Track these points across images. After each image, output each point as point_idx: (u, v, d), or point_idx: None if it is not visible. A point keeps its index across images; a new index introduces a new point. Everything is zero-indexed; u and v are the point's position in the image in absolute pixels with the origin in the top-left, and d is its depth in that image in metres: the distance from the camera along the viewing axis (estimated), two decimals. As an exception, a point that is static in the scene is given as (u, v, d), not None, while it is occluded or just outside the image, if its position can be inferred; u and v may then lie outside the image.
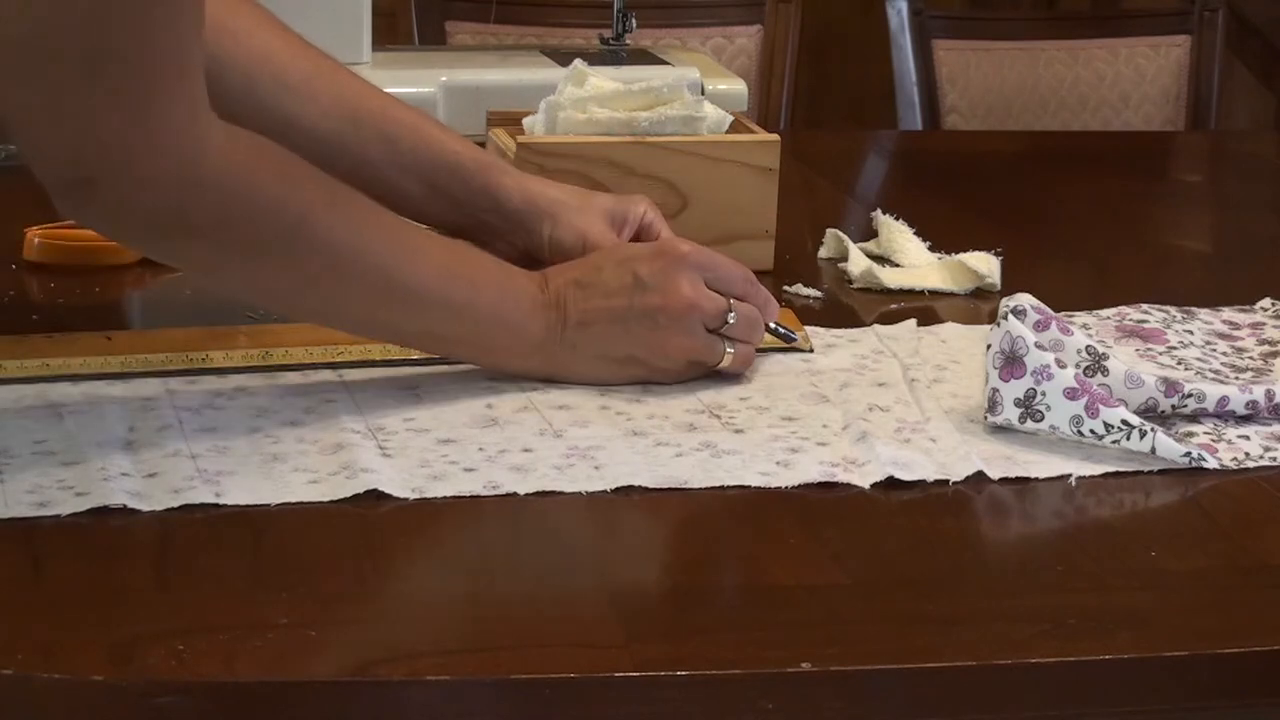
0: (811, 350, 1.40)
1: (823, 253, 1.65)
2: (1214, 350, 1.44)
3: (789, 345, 1.39)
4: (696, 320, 1.30)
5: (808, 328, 1.44)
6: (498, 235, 1.40)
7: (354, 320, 1.26)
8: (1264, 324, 1.51)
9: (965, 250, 1.60)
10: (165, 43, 1.09)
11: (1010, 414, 1.24)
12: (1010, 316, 1.26)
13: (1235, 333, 1.48)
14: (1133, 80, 2.90)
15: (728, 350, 1.31)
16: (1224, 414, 1.29)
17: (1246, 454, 1.25)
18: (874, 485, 1.18)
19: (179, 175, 1.11)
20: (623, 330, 1.29)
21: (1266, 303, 1.56)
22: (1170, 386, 1.28)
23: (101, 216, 1.13)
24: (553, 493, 1.15)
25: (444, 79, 1.70)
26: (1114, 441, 1.23)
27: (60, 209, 1.12)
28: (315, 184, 1.20)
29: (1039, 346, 1.24)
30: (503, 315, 1.27)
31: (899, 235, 1.64)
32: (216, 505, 1.10)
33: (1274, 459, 1.24)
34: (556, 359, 1.29)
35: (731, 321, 1.31)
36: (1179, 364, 1.40)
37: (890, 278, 1.57)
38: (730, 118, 1.59)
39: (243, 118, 1.21)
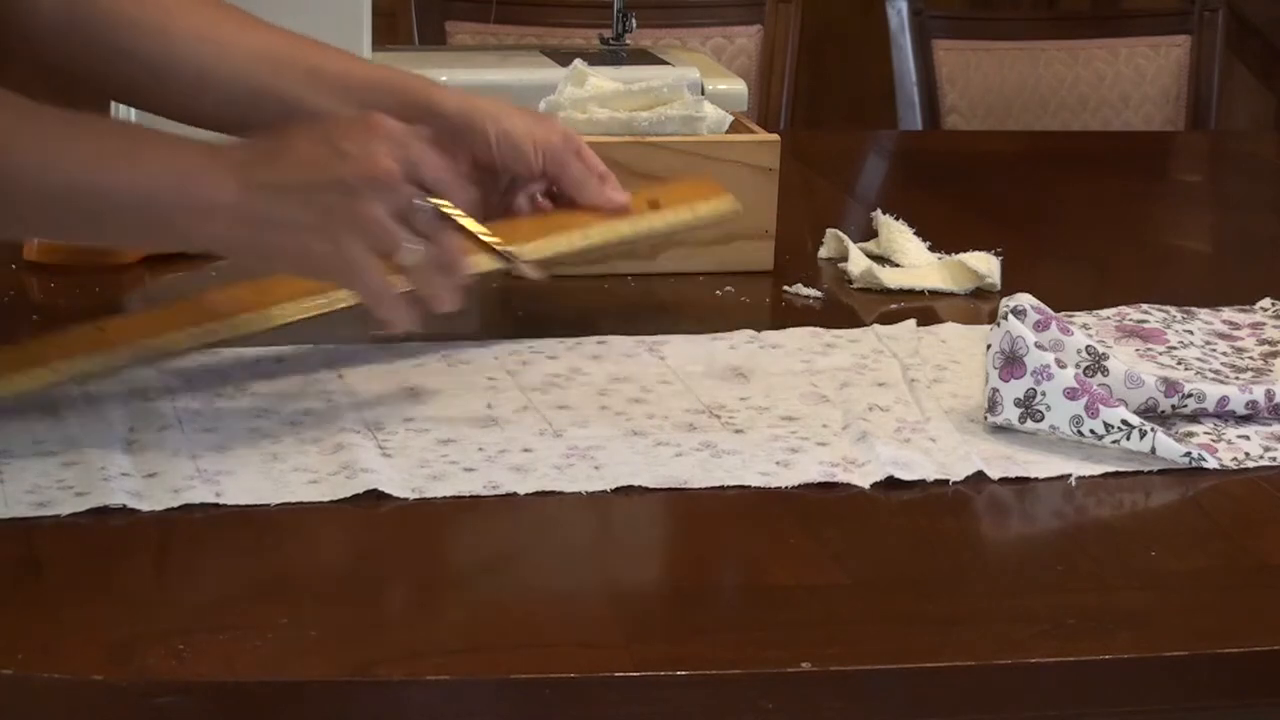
0: (537, 277, 1.32)
1: (823, 253, 1.65)
2: (1214, 350, 1.44)
3: (505, 263, 1.29)
4: (392, 194, 1.19)
5: (810, 327, 1.44)
6: (439, 147, 1.30)
7: (20, 223, 1.20)
8: (1264, 324, 1.51)
9: (965, 250, 1.60)
10: None
11: (1010, 414, 1.24)
12: (1010, 316, 1.26)
13: (1235, 333, 1.48)
14: (1133, 80, 2.90)
15: (407, 245, 1.19)
16: (1224, 414, 1.29)
17: (1246, 454, 1.25)
18: (874, 485, 1.18)
19: None
20: (307, 197, 1.18)
21: (1266, 303, 1.56)
22: (1170, 386, 1.28)
23: None
24: (553, 493, 1.15)
25: (444, 79, 1.70)
26: (1114, 441, 1.23)
27: None
28: None
29: (1039, 346, 1.24)
30: (174, 188, 1.17)
31: (899, 235, 1.64)
32: (216, 505, 1.10)
33: (1274, 459, 1.24)
34: (227, 228, 1.17)
35: (422, 209, 1.20)
36: (1179, 364, 1.40)
37: (890, 278, 1.57)
38: (730, 118, 1.59)
39: (162, 72, 1.21)
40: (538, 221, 1.36)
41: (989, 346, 1.26)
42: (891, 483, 1.18)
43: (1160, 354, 1.42)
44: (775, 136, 1.59)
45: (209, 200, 1.16)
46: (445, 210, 1.20)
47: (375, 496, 1.12)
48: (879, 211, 1.69)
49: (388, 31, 2.90)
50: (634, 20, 1.84)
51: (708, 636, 1.00)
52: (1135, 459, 1.23)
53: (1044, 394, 1.24)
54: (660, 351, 1.39)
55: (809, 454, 1.22)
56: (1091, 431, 1.23)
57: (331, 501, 1.12)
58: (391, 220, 1.18)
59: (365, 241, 1.18)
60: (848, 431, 1.25)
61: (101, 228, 1.20)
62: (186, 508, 1.10)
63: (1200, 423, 1.29)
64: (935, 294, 1.57)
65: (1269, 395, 1.29)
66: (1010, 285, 1.54)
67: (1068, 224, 1.88)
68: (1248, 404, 1.29)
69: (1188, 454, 1.22)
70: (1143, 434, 1.22)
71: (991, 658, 0.99)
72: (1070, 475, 1.21)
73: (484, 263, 1.26)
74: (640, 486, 1.16)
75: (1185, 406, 1.28)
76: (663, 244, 1.54)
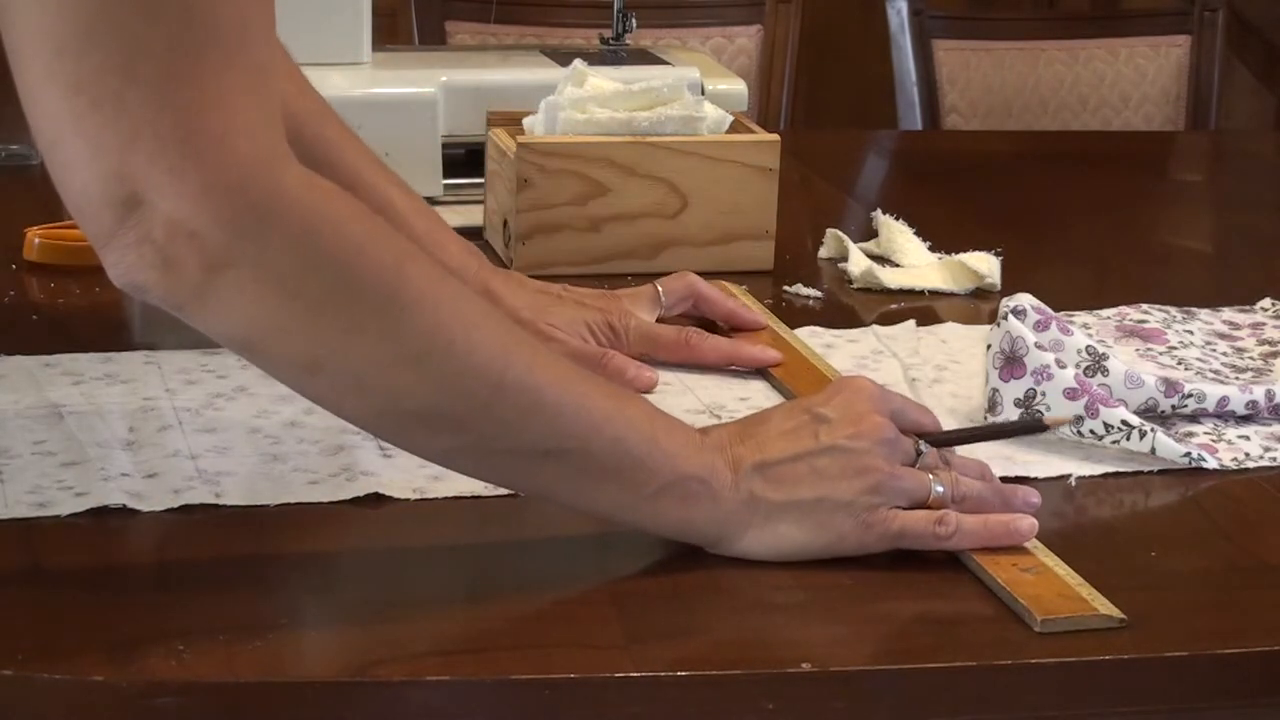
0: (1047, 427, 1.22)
1: (823, 253, 1.65)
2: (1214, 350, 1.44)
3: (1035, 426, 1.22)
4: (893, 448, 1.08)
5: (810, 327, 1.44)
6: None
7: (476, 431, 1.00)
8: (1264, 324, 1.51)
9: (965, 250, 1.60)
10: (233, 28, 0.92)
11: (1010, 414, 1.24)
12: (1010, 316, 1.26)
13: (1235, 333, 1.48)
14: (1133, 80, 2.90)
15: (936, 488, 1.07)
16: (1224, 414, 1.29)
17: (1246, 454, 1.25)
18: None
19: (251, 188, 0.92)
20: (806, 466, 1.06)
21: (1266, 303, 1.56)
22: (1170, 386, 1.28)
23: (149, 238, 0.91)
24: (553, 493, 1.14)
25: (444, 79, 1.70)
26: (1114, 441, 1.23)
27: (93, 241, 0.93)
28: (408, 245, 1.00)
29: (1039, 346, 1.24)
30: (662, 453, 1.03)
31: (899, 235, 1.64)
32: (216, 505, 1.10)
33: (1274, 459, 1.24)
34: (728, 510, 1.05)
35: (923, 454, 1.09)
36: (1179, 364, 1.40)
37: (890, 278, 1.57)
38: (730, 118, 1.59)
39: None
40: None
41: (989, 346, 1.26)
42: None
43: (1160, 354, 1.42)
44: (775, 136, 1.59)
45: (705, 480, 1.04)
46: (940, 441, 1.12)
47: (375, 496, 1.12)
48: (879, 211, 1.69)
49: (388, 31, 2.90)
50: (634, 20, 1.83)
51: (708, 636, 1.00)
52: (1135, 459, 1.23)
53: (1044, 394, 1.24)
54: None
55: (809, 454, 1.22)
56: (1091, 431, 1.23)
57: (331, 502, 1.12)
58: (903, 468, 1.07)
59: (885, 500, 1.06)
60: (848, 431, 1.25)
61: (592, 489, 1.04)
62: (186, 508, 1.10)
63: (1200, 423, 1.29)
64: (935, 294, 1.57)
65: (1269, 395, 1.29)
66: (1010, 285, 1.54)
67: (1068, 224, 1.87)
68: (1248, 404, 1.29)
69: (1188, 454, 1.22)
70: (1143, 434, 1.22)
71: (991, 658, 0.99)
72: (1070, 475, 1.21)
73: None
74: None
75: (1185, 406, 1.28)
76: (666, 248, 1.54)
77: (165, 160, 0.90)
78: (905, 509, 1.07)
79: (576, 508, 1.05)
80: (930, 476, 1.07)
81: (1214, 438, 1.27)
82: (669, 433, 1.04)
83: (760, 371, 1.35)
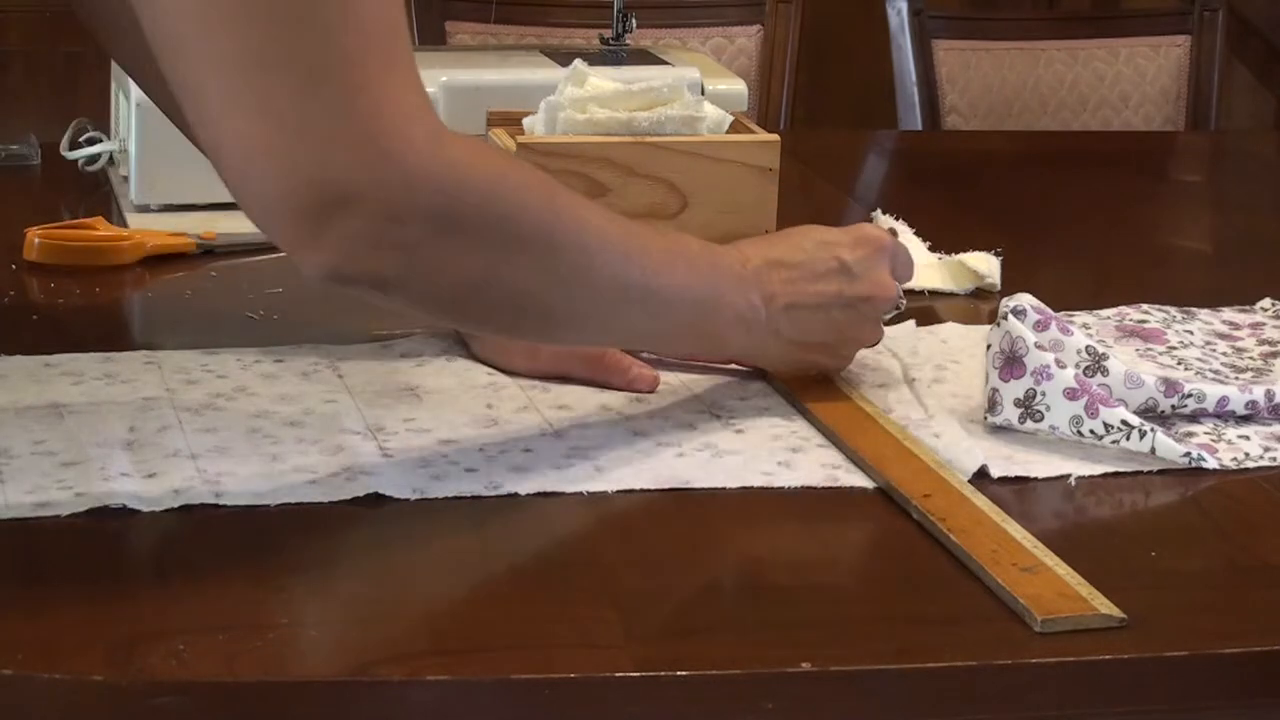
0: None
1: (823, 253, 1.65)
2: (1214, 350, 1.44)
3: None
4: (886, 309, 1.30)
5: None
6: None
7: (596, 323, 1.19)
8: (1264, 324, 1.51)
9: (965, 250, 1.60)
10: (383, 31, 1.01)
11: (1010, 414, 1.24)
12: (1010, 316, 1.26)
13: (1235, 333, 1.48)
14: (1133, 80, 2.90)
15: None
16: (1224, 414, 1.29)
17: (1246, 454, 1.25)
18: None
19: (436, 169, 1.03)
20: (824, 317, 1.27)
21: (1266, 303, 1.56)
22: (1170, 386, 1.28)
23: (356, 239, 1.01)
24: (553, 493, 1.15)
25: (444, 79, 1.70)
26: (1114, 441, 1.23)
27: (294, 247, 1.02)
28: (545, 177, 1.15)
29: (1039, 346, 1.24)
30: (718, 299, 1.23)
31: (899, 235, 1.64)
32: (216, 505, 1.10)
33: (1274, 459, 1.24)
34: (756, 341, 1.26)
35: (901, 309, 1.32)
36: (1179, 364, 1.40)
37: (890, 278, 1.57)
38: (730, 118, 1.59)
39: None
40: None
41: (989, 346, 1.26)
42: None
43: (1160, 354, 1.42)
44: (775, 136, 1.59)
45: (745, 316, 1.23)
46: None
47: (375, 496, 1.12)
48: (879, 211, 1.69)
49: (388, 31, 2.89)
50: (634, 20, 1.83)
51: (708, 636, 1.00)
52: (1135, 459, 1.23)
53: (1044, 394, 1.24)
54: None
55: (810, 454, 1.22)
56: (1091, 431, 1.23)
57: (331, 501, 1.12)
58: (881, 328, 1.31)
59: (850, 356, 1.32)
60: (848, 431, 1.25)
61: (656, 330, 1.23)
62: (186, 508, 1.10)
63: (1200, 423, 1.29)
64: (935, 294, 1.57)
65: (1269, 395, 1.29)
66: (1010, 285, 1.54)
67: (1068, 224, 1.87)
68: (1248, 404, 1.29)
69: (1188, 454, 1.22)
70: (1142, 434, 1.22)
71: (991, 658, 0.99)
72: (1070, 475, 1.21)
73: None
74: (640, 487, 1.16)
75: (1185, 406, 1.28)
76: None
77: (360, 164, 1.00)
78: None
79: (656, 353, 1.32)
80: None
81: (1214, 438, 1.27)
82: (727, 279, 1.23)
83: (760, 371, 1.35)
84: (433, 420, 1.24)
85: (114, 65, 1.74)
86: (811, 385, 1.31)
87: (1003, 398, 1.25)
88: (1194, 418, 1.29)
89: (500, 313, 1.12)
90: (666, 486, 1.17)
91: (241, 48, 0.98)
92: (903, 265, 1.31)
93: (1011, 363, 1.24)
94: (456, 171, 1.04)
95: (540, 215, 1.10)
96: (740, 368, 1.36)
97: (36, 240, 1.53)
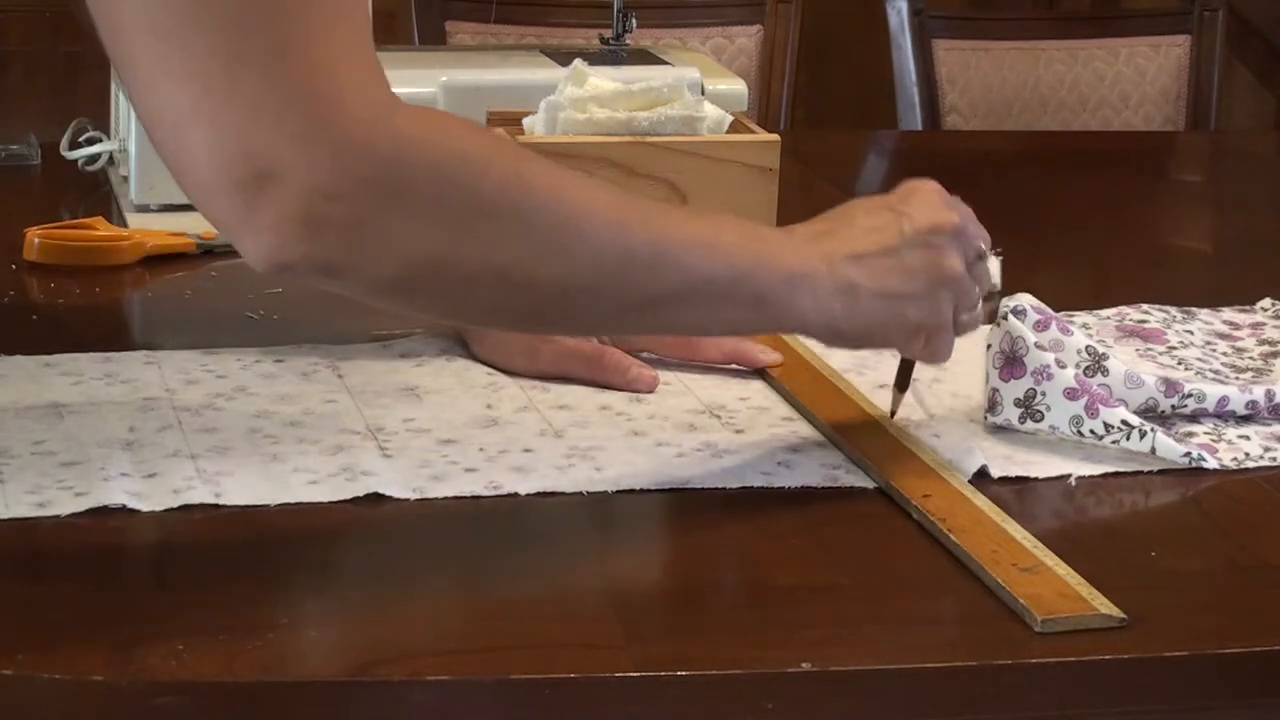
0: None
1: (823, 253, 1.65)
2: (1214, 350, 1.44)
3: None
4: (968, 244, 1.19)
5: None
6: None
7: (607, 295, 1.07)
8: (1264, 324, 1.51)
9: (965, 250, 1.60)
10: None
11: (1010, 414, 1.24)
12: (1010, 316, 1.26)
13: (1235, 333, 1.48)
14: (1133, 80, 2.90)
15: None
16: (1224, 414, 1.29)
17: (1246, 454, 1.25)
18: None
19: (375, 139, 0.95)
20: (896, 262, 1.15)
21: (1266, 303, 1.56)
22: (1170, 386, 1.28)
23: (289, 218, 0.93)
24: (553, 493, 1.15)
25: (444, 79, 1.70)
26: (1114, 441, 1.23)
27: (230, 228, 0.95)
28: (517, 147, 1.07)
29: (1039, 346, 1.24)
30: (761, 254, 1.11)
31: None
32: (216, 505, 1.10)
33: (1274, 459, 1.24)
34: (824, 301, 1.13)
35: (993, 272, 1.21)
36: (1179, 364, 1.40)
37: (890, 278, 1.57)
38: (730, 118, 1.59)
39: None
40: None
41: (989, 346, 1.26)
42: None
43: (1160, 354, 1.42)
44: (775, 136, 1.59)
45: (802, 271, 1.12)
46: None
47: (375, 496, 1.12)
48: (879, 211, 1.68)
49: (388, 31, 2.90)
50: (634, 20, 1.83)
51: (708, 636, 1.00)
52: (1135, 459, 1.23)
53: (1044, 394, 1.24)
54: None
55: (810, 454, 1.22)
56: (1091, 431, 1.23)
57: (331, 502, 1.12)
58: (967, 274, 1.18)
59: (953, 298, 1.17)
60: (848, 431, 1.25)
61: (685, 294, 1.09)
62: (186, 508, 1.10)
63: (1200, 423, 1.29)
64: (935, 294, 1.56)
65: (1269, 395, 1.29)
66: (1010, 285, 1.53)
67: (1068, 224, 1.87)
68: (1248, 404, 1.29)
69: (1188, 454, 1.22)
70: (1143, 434, 1.22)
71: (991, 658, 0.99)
72: (1070, 475, 1.21)
73: None
74: (640, 487, 1.16)
75: (1185, 406, 1.28)
76: None
77: (290, 133, 0.92)
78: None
79: (707, 334, 1.21)
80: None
81: (1214, 438, 1.27)
82: (768, 241, 1.13)
83: (760, 372, 1.35)
84: (433, 420, 1.24)
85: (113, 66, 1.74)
86: (811, 385, 1.31)
87: (1003, 398, 1.25)
88: (1194, 418, 1.29)
89: (475, 295, 1.02)
90: (666, 486, 1.17)
91: (169, 6, 0.91)
92: (955, 202, 1.20)
93: (1011, 363, 1.24)
94: (400, 142, 0.96)
95: (505, 185, 1.00)
96: (740, 368, 1.36)
97: (36, 240, 1.53)
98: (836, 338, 1.15)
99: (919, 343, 1.17)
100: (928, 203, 1.17)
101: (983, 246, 1.20)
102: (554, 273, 1.03)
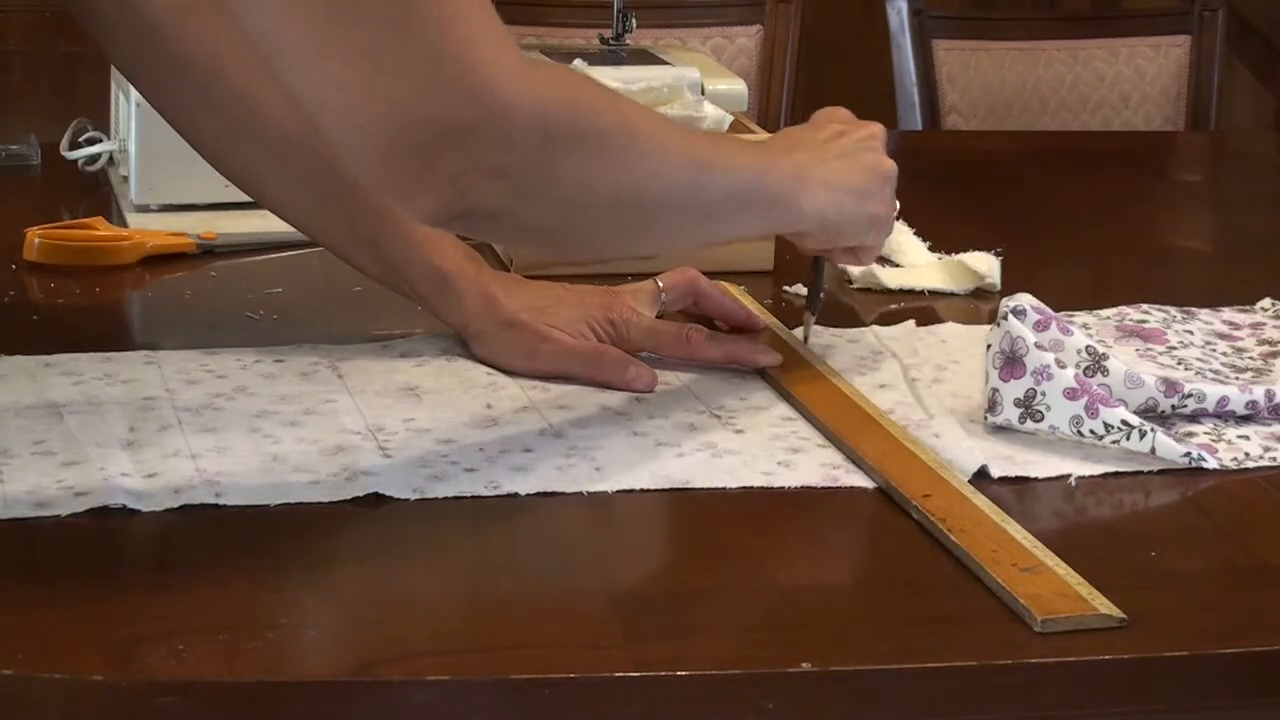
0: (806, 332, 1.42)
1: (823, 253, 1.65)
2: (1214, 350, 1.44)
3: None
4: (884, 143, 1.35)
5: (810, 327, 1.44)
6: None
7: (680, 201, 1.20)
8: (1264, 324, 1.51)
9: (965, 250, 1.60)
10: None
11: (1010, 414, 1.24)
12: (1010, 316, 1.26)
13: (1235, 333, 1.48)
14: (1133, 80, 2.90)
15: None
16: (1224, 414, 1.29)
17: (1246, 454, 1.25)
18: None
19: (529, 91, 1.06)
20: (856, 163, 1.31)
21: (1266, 303, 1.56)
22: (1170, 386, 1.28)
23: (468, 172, 1.04)
24: (553, 493, 1.15)
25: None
26: (1114, 441, 1.23)
27: (401, 190, 1.05)
28: (604, 86, 1.20)
29: (1039, 346, 1.24)
30: (771, 156, 1.29)
31: (899, 235, 1.64)
32: (216, 505, 1.10)
33: (1274, 459, 1.24)
34: (813, 193, 1.28)
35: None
36: (1179, 364, 1.40)
37: (890, 278, 1.57)
38: (730, 118, 1.59)
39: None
40: None
41: (989, 346, 1.26)
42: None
43: (1160, 354, 1.42)
44: (775, 136, 1.59)
45: (804, 174, 1.27)
46: None
47: (375, 496, 1.12)
48: (879, 211, 1.68)
49: (388, 31, 2.89)
50: (634, 20, 1.83)
51: (708, 636, 1.00)
52: (1135, 459, 1.23)
53: (1044, 394, 1.24)
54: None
55: (810, 454, 1.22)
56: (1091, 431, 1.23)
57: (331, 501, 1.12)
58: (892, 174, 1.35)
59: (893, 193, 1.34)
60: (848, 431, 1.25)
61: (728, 197, 1.23)
62: (186, 508, 1.10)
63: (1200, 423, 1.29)
64: (935, 294, 1.57)
65: (1269, 395, 1.29)
66: (1010, 285, 1.54)
67: (1068, 224, 1.87)
68: (1248, 404, 1.29)
69: (1188, 454, 1.22)
70: (1143, 434, 1.22)
71: (991, 658, 0.99)
72: (1070, 475, 1.21)
73: None
74: (640, 487, 1.16)
75: (1185, 406, 1.28)
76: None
77: (462, 98, 1.02)
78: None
79: (739, 237, 1.31)
80: None
81: (1214, 438, 1.27)
82: (768, 152, 1.31)
83: (760, 372, 1.35)
84: (433, 420, 1.24)
85: (114, 66, 1.74)
86: (811, 385, 1.31)
87: (1003, 398, 1.25)
88: (1194, 418, 1.29)
89: (602, 220, 1.15)
90: (666, 486, 1.17)
91: None
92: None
93: (1011, 363, 1.24)
94: (544, 91, 1.07)
95: (614, 118, 1.13)
96: (740, 368, 1.36)
97: (36, 240, 1.53)
98: (824, 230, 1.30)
99: (877, 233, 1.33)
100: (849, 118, 1.36)
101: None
102: (654, 191, 1.16)
